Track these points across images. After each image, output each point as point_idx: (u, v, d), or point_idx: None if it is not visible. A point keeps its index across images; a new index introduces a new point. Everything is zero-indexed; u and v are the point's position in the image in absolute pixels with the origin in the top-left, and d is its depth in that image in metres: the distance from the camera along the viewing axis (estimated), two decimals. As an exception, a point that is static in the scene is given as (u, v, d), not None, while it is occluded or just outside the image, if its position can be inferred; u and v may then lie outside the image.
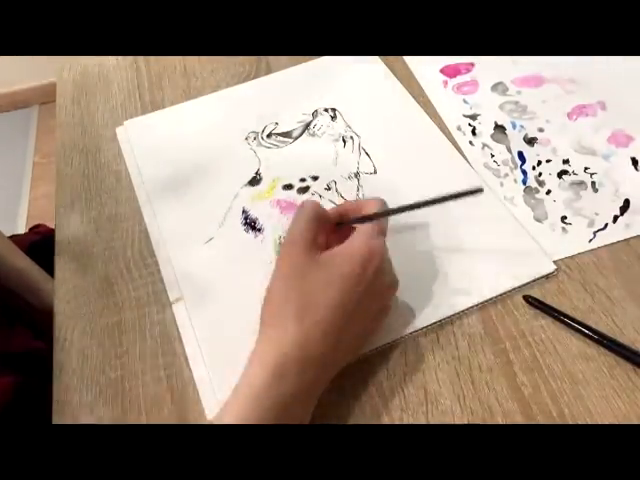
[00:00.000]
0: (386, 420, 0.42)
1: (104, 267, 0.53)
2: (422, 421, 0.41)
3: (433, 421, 0.41)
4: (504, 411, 0.41)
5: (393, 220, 0.52)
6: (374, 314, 0.43)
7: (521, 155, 0.56)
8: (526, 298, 0.46)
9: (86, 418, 0.44)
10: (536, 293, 0.46)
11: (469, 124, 0.59)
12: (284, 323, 0.39)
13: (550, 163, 0.55)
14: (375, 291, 0.41)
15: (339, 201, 0.54)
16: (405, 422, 0.41)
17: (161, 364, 0.46)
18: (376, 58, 0.67)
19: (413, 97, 0.62)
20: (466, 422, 0.41)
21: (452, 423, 0.41)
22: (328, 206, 0.54)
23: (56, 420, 0.45)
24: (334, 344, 0.39)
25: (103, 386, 0.46)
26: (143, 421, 0.43)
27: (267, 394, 0.37)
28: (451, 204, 0.52)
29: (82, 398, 0.45)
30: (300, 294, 0.39)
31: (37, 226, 0.82)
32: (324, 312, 0.39)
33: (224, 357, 0.45)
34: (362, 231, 0.42)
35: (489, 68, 0.64)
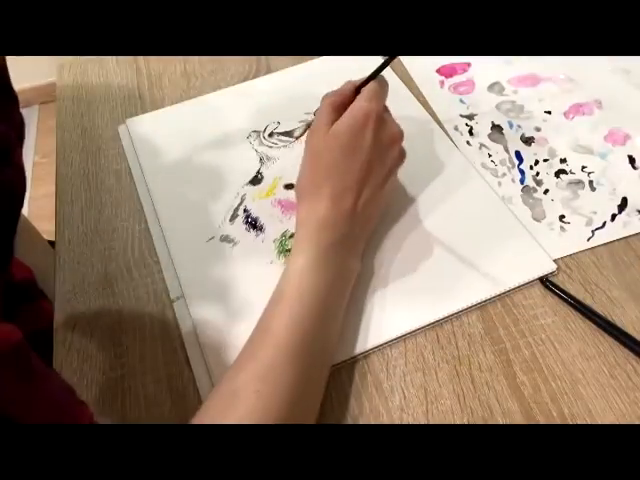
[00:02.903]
0: (386, 420, 0.42)
1: (104, 267, 0.53)
2: (422, 421, 0.41)
3: (433, 421, 0.41)
4: (504, 411, 0.41)
5: (394, 221, 0.52)
6: (387, 170, 0.47)
7: (518, 155, 0.56)
8: (544, 283, 0.46)
9: (86, 418, 0.44)
10: (536, 293, 0.46)
11: (466, 124, 0.59)
12: (313, 196, 0.46)
13: (547, 162, 0.55)
14: (380, 148, 0.46)
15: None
16: (405, 422, 0.41)
17: (161, 364, 0.46)
18: (377, 57, 0.67)
19: (414, 96, 0.62)
20: (466, 422, 0.41)
21: (452, 423, 0.41)
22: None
23: (56, 420, 0.44)
24: (354, 202, 0.45)
25: (103, 386, 0.46)
26: (143, 421, 0.43)
27: (315, 244, 0.44)
28: (451, 203, 0.53)
29: (82, 398, 0.45)
30: (318, 171, 0.46)
31: None
32: (338, 179, 0.45)
33: (225, 356, 0.45)
34: (357, 99, 0.47)
35: (485, 68, 0.64)
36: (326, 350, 0.43)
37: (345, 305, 0.45)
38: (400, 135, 0.48)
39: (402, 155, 0.49)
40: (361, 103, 0.46)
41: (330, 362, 0.43)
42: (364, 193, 0.45)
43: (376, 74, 0.48)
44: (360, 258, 0.47)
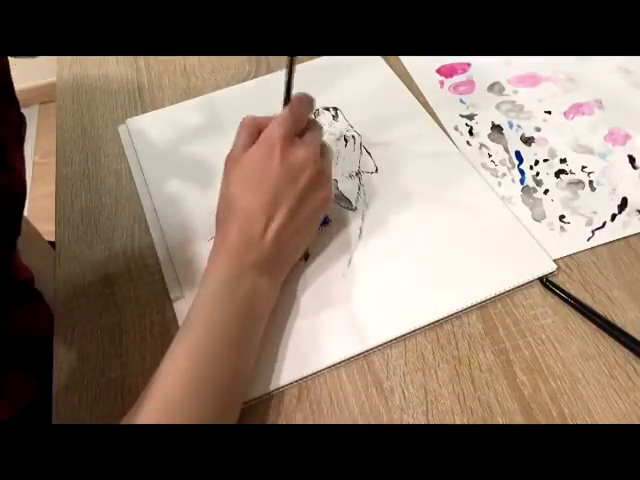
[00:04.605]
0: (386, 420, 0.42)
1: (104, 267, 0.53)
2: (422, 421, 0.41)
3: (433, 421, 0.41)
4: (504, 411, 0.41)
5: (395, 221, 0.52)
6: (298, 194, 0.45)
7: (518, 155, 0.56)
8: (544, 283, 0.46)
9: (86, 418, 0.44)
10: (536, 293, 0.46)
11: (466, 124, 0.59)
12: (223, 224, 0.45)
13: (547, 162, 0.55)
14: (290, 173, 0.44)
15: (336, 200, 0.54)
16: (405, 422, 0.41)
17: (161, 364, 0.46)
18: (378, 57, 0.67)
19: (414, 96, 0.62)
20: (466, 422, 0.41)
21: (452, 423, 0.41)
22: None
23: (56, 420, 0.45)
24: (262, 229, 0.44)
25: (103, 386, 0.46)
26: (143, 421, 0.43)
27: (223, 271, 0.43)
28: (451, 203, 0.53)
29: (82, 398, 0.45)
30: (228, 198, 0.45)
31: None
32: (245, 207, 0.44)
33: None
34: (267, 126, 0.46)
35: (485, 68, 0.64)
36: (236, 383, 0.41)
37: (260, 333, 0.44)
38: (306, 158, 0.45)
39: (314, 176, 0.45)
40: (267, 130, 0.45)
41: (242, 394, 0.42)
42: (275, 220, 0.44)
43: (288, 90, 0.47)
44: (278, 284, 0.46)
